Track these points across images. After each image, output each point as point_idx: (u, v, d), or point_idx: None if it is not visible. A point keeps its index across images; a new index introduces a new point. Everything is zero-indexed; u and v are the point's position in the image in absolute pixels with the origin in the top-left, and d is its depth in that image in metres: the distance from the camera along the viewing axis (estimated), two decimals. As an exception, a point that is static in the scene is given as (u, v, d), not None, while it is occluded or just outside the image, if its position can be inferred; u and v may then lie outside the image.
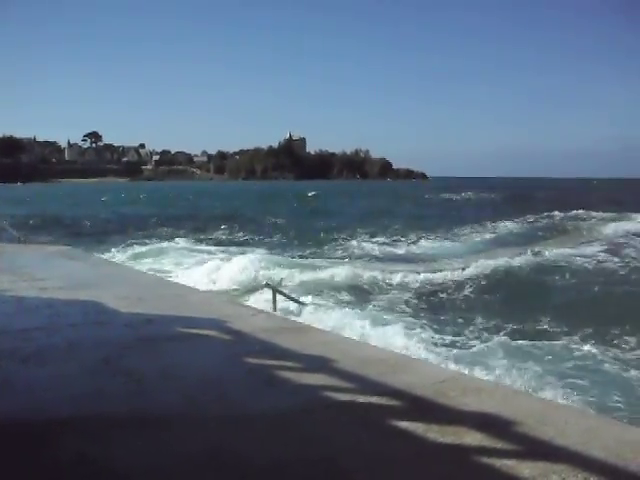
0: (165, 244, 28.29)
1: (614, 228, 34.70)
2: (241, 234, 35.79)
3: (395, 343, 10.83)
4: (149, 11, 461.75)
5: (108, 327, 6.61)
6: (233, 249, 26.75)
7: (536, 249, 25.28)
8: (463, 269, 20.54)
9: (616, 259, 23.05)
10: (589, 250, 25.51)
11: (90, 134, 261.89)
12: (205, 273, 19.44)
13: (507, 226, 39.19)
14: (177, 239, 30.70)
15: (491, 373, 9.38)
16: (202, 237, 33.57)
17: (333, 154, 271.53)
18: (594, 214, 45.08)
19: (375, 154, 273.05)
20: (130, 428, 3.96)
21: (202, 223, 42.22)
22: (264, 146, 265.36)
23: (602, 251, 24.97)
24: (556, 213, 46.36)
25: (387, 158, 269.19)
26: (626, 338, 12.31)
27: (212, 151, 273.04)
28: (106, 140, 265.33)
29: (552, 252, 24.56)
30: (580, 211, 47.27)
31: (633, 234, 31.21)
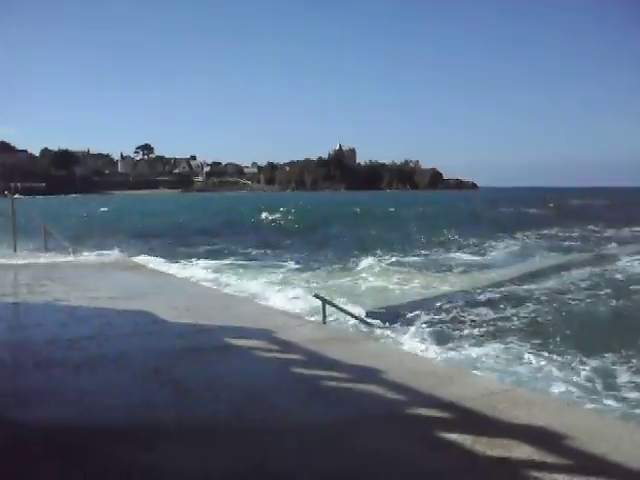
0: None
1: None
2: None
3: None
4: (198, 27, 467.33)
5: (158, 337, 6.67)
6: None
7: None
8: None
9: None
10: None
11: (142, 146, 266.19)
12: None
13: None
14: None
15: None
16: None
17: (383, 165, 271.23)
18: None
19: (425, 164, 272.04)
20: (178, 438, 3.98)
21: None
22: (314, 157, 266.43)
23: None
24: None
25: (437, 168, 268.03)
26: None
27: (262, 162, 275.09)
28: (158, 152, 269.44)
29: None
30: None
31: None
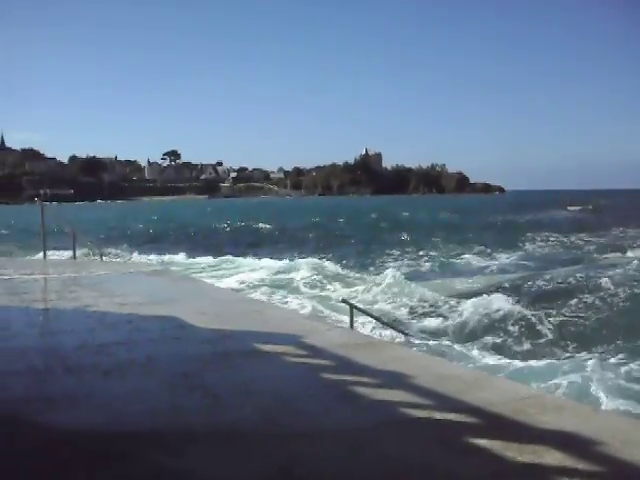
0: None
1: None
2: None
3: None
4: (226, 31, 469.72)
5: (186, 342, 6.70)
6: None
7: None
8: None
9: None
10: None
11: (169, 153, 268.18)
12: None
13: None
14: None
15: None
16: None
17: (409, 169, 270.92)
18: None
19: (451, 168, 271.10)
20: (207, 442, 4.00)
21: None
22: (340, 162, 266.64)
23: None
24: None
25: (464, 172, 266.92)
26: None
27: (288, 167, 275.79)
28: (184, 158, 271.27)
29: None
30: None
31: None
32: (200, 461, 3.70)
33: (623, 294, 17.40)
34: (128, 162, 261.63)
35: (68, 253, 19.76)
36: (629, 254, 29.76)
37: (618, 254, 30.64)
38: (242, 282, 22.39)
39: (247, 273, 24.70)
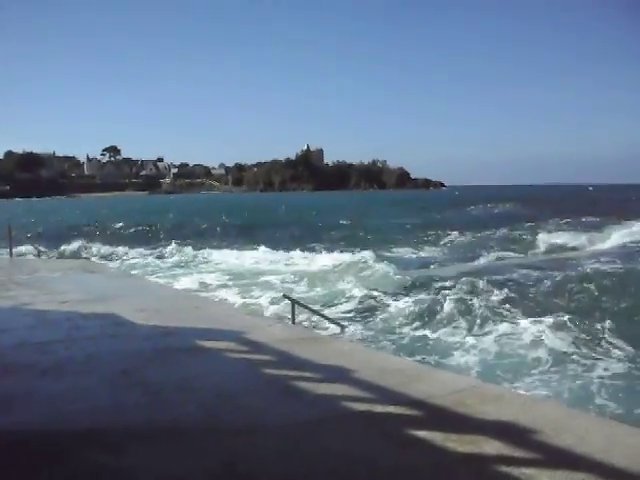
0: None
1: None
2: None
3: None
4: (165, 28, 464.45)
5: (126, 339, 6.63)
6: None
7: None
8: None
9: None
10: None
11: (109, 148, 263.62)
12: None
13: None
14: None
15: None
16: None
17: (351, 165, 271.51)
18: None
19: (393, 164, 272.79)
20: (148, 439, 3.96)
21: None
22: (282, 158, 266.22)
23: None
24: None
25: (404, 167, 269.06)
26: None
27: (230, 163, 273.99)
28: (124, 154, 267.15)
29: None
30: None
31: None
32: (141, 458, 3.66)
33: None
34: (66, 158, 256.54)
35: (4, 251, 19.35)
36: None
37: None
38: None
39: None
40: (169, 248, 31.13)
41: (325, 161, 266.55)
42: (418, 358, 10.51)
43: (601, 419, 4.69)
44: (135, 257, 29.77)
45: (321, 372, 5.36)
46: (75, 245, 34.33)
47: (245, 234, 40.32)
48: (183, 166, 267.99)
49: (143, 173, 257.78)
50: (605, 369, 10.58)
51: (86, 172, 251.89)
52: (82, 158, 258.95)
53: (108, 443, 3.91)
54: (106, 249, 32.54)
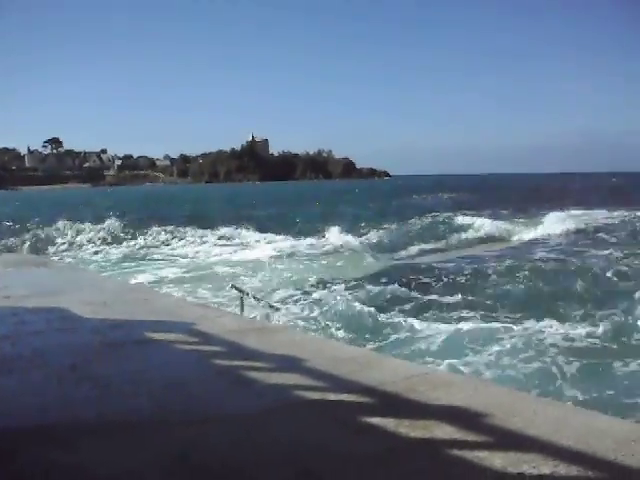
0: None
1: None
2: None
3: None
4: (108, 20, 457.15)
5: (74, 333, 6.51)
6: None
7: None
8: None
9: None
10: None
11: (50, 140, 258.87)
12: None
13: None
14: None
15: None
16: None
17: (296, 155, 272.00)
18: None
19: (338, 154, 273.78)
20: (99, 434, 3.91)
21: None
22: (227, 148, 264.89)
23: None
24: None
25: (350, 157, 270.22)
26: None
27: (175, 155, 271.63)
28: (67, 146, 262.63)
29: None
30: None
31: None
32: (93, 453, 3.61)
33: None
34: (6, 150, 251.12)
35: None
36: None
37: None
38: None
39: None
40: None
41: (271, 151, 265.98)
42: (370, 346, 10.63)
43: (548, 401, 4.78)
44: (81, 251, 29.53)
45: (272, 362, 5.35)
46: (16, 239, 33.87)
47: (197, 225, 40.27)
48: (127, 158, 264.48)
49: (86, 165, 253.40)
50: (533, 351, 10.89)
51: (27, 164, 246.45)
52: (23, 150, 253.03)
53: (58, 439, 3.85)
54: (50, 242, 32.17)
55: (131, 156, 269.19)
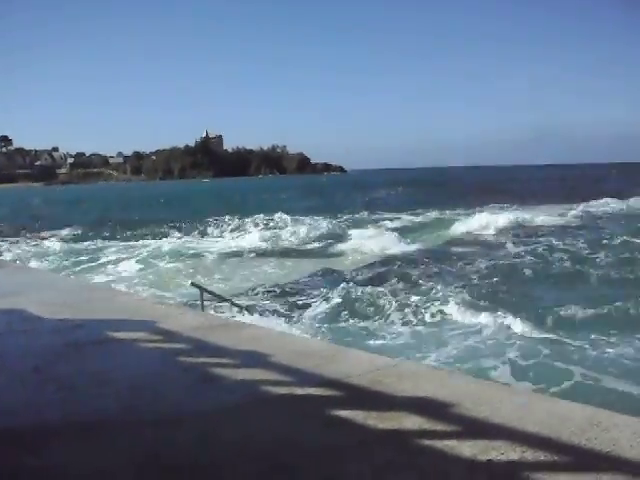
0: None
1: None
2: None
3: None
4: (52, 15, 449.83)
5: (35, 335, 6.42)
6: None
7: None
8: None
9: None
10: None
11: (0, 138, 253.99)
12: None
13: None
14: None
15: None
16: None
17: (251, 151, 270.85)
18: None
19: (293, 149, 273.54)
20: (67, 436, 3.87)
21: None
22: (181, 145, 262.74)
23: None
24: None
25: (305, 153, 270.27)
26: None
27: (128, 152, 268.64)
28: (17, 144, 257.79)
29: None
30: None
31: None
32: (61, 456, 3.58)
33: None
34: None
35: None
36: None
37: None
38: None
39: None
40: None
41: (225, 147, 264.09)
42: (334, 340, 10.68)
43: (513, 389, 4.88)
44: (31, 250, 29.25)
45: (237, 358, 5.34)
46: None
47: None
48: (80, 155, 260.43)
49: (38, 163, 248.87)
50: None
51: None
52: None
53: (24, 442, 3.80)
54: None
55: (84, 154, 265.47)
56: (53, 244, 33.74)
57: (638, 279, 17.59)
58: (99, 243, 33.70)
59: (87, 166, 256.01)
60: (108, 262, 25.83)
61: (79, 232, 39.61)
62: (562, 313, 13.47)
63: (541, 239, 27.97)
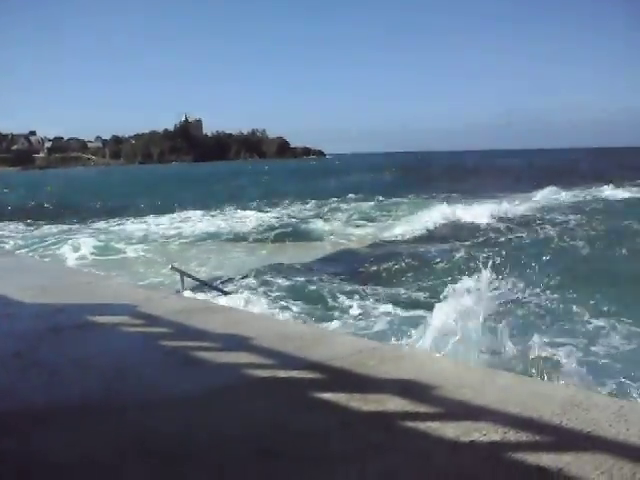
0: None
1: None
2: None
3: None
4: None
5: (15, 320, 6.38)
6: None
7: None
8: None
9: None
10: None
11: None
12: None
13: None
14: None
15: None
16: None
17: (230, 135, 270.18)
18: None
19: (272, 133, 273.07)
20: (49, 421, 3.85)
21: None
22: (160, 129, 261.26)
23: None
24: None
25: (285, 137, 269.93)
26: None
27: (106, 136, 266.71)
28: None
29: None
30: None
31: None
32: (46, 441, 3.56)
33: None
34: None
35: None
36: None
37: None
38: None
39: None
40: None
41: (204, 131, 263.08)
42: (317, 324, 10.72)
43: (495, 371, 4.88)
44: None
45: (220, 341, 5.34)
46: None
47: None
48: (57, 140, 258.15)
49: (14, 148, 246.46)
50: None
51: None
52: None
53: (9, 428, 3.79)
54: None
55: (62, 138, 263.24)
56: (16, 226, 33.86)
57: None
58: (55, 228, 33.58)
59: (65, 150, 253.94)
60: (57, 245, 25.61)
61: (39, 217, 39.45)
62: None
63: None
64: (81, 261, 21.26)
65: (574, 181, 54.66)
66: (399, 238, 26.79)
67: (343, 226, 31.71)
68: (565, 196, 44.26)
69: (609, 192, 45.97)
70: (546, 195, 44.33)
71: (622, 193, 44.75)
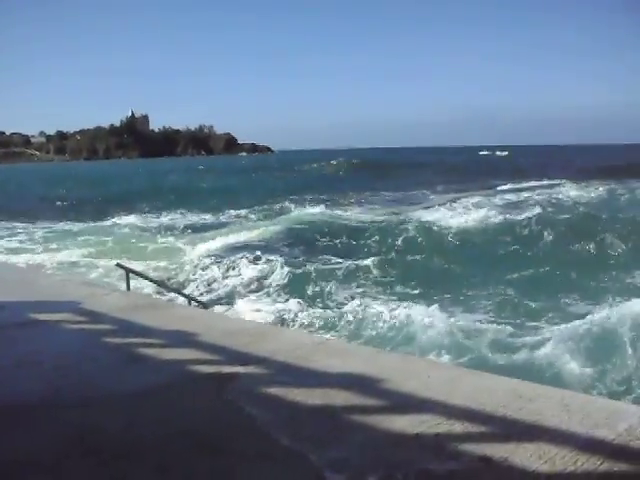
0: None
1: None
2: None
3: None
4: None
5: (-49, 318, 6.21)
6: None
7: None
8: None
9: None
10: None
11: None
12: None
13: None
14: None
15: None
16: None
17: (178, 131, 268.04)
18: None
19: (220, 130, 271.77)
20: (-10, 420, 3.76)
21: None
22: (106, 125, 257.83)
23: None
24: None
25: (233, 133, 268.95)
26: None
27: (51, 131, 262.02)
28: None
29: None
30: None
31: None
32: (-16, 440, 3.47)
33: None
34: None
35: None
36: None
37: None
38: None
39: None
40: None
41: (151, 127, 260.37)
42: (265, 318, 10.70)
43: (441, 364, 4.95)
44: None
45: (164, 338, 5.27)
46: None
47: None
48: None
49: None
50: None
51: None
52: None
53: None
54: None
55: (3, 133, 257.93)
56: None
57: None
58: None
59: (7, 145, 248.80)
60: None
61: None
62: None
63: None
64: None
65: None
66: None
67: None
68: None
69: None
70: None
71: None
